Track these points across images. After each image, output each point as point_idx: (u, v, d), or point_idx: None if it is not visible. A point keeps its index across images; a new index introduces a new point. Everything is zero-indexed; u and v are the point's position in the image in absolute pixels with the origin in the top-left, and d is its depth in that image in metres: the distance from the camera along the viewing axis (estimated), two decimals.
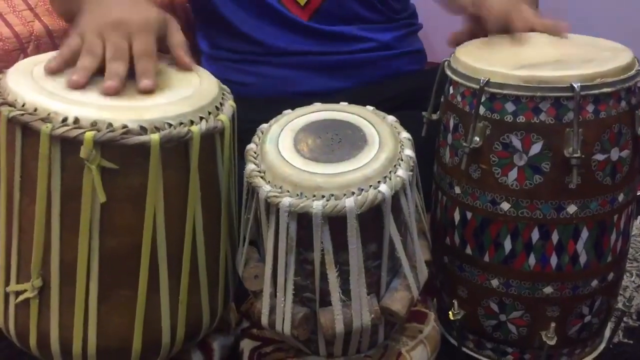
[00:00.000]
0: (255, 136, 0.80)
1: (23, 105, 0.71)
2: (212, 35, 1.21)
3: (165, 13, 0.84)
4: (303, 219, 0.72)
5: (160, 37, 0.81)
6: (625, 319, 1.02)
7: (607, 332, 0.96)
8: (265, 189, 0.73)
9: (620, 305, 0.92)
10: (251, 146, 0.78)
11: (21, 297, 0.76)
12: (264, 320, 0.79)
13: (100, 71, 0.78)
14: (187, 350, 0.88)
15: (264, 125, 0.81)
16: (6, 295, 0.78)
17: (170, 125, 0.72)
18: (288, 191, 0.72)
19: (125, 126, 0.70)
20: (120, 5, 0.81)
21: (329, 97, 1.01)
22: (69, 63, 0.77)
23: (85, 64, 0.76)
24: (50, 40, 1.14)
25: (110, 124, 0.70)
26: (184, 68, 0.83)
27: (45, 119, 0.70)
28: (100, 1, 0.83)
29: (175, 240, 0.77)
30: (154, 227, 0.74)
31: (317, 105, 0.83)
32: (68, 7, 0.96)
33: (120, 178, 0.72)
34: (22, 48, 1.10)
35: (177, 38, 0.83)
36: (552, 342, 0.86)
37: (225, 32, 1.17)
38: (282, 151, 0.76)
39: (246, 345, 0.91)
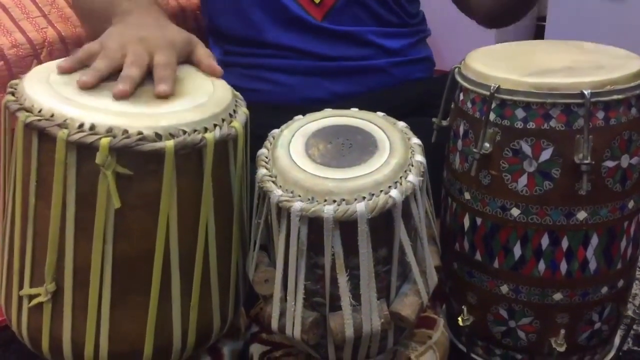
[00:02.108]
0: (267, 141, 0.80)
1: (40, 111, 0.72)
2: (223, 40, 1.22)
3: (189, 33, 0.87)
4: (314, 223, 0.72)
5: (183, 56, 0.84)
6: (635, 326, 1.02)
7: (617, 340, 0.96)
8: (276, 193, 0.73)
9: (630, 312, 0.92)
10: (262, 151, 0.79)
11: (34, 301, 0.76)
12: (274, 324, 0.79)
13: (116, 78, 0.80)
14: (197, 356, 0.88)
15: (275, 131, 0.82)
16: (20, 299, 0.79)
17: (184, 132, 0.73)
18: (299, 196, 0.72)
19: (140, 133, 0.71)
20: (147, 25, 0.85)
21: (339, 104, 1.01)
22: (82, 64, 0.79)
23: (99, 66, 0.77)
24: (63, 47, 1.14)
25: (125, 131, 0.71)
26: (216, 75, 0.85)
27: (62, 125, 0.71)
28: (128, 20, 0.87)
29: (188, 246, 0.77)
30: (167, 233, 0.75)
31: (328, 111, 0.84)
32: (93, 24, 1.01)
33: (134, 184, 0.72)
34: (35, 54, 1.11)
35: (202, 51, 0.86)
36: (562, 349, 0.86)
37: (237, 37, 1.18)
38: (294, 156, 0.76)
39: (255, 349, 0.91)
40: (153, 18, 0.89)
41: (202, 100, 0.79)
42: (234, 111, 0.80)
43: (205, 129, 0.75)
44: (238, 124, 0.79)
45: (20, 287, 0.78)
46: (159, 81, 0.77)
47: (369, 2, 1.16)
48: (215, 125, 0.76)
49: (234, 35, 1.18)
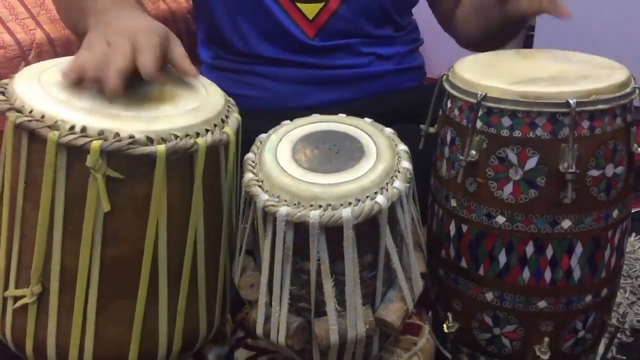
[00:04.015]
0: (254, 146, 0.80)
1: (30, 112, 0.72)
2: (214, 46, 1.22)
3: (166, 27, 0.84)
4: (300, 228, 0.72)
5: (163, 44, 0.80)
6: (618, 334, 1.02)
7: (601, 348, 0.97)
8: (262, 197, 0.73)
9: (614, 321, 0.92)
10: (249, 156, 0.79)
11: (19, 303, 0.76)
12: (259, 329, 0.79)
13: None
14: None
15: (263, 135, 0.82)
16: (4, 300, 0.78)
17: (176, 136, 0.73)
18: (285, 200, 0.73)
19: (132, 136, 0.71)
20: (124, 18, 0.83)
21: (328, 110, 1.01)
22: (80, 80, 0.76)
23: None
24: (51, 49, 1.14)
25: (117, 134, 0.70)
26: (191, 76, 0.81)
27: (53, 127, 0.70)
28: (104, 20, 0.84)
29: (176, 251, 0.77)
30: (156, 237, 0.75)
31: (316, 116, 0.84)
32: (73, 17, 0.98)
33: (125, 188, 0.72)
34: (23, 56, 1.11)
35: (179, 51, 0.83)
36: (546, 357, 0.86)
37: (230, 46, 1.18)
38: (280, 161, 0.76)
39: (241, 354, 0.91)
40: (128, 11, 0.87)
41: (194, 105, 0.79)
42: (226, 117, 0.80)
43: (197, 134, 0.75)
44: (230, 129, 0.79)
45: (6, 288, 0.78)
46: (141, 66, 0.75)
47: (360, 22, 1.16)
48: (207, 131, 0.76)
49: (227, 44, 1.18)
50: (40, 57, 1.11)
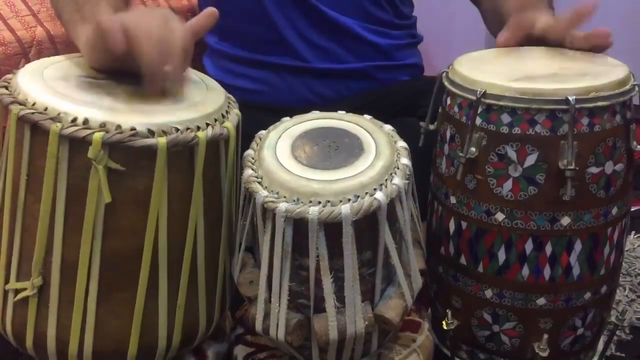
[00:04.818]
0: (254, 142, 0.81)
1: (33, 105, 0.73)
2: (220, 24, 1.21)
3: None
4: (299, 224, 0.72)
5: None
6: (618, 332, 1.02)
7: (600, 345, 0.96)
8: (262, 194, 0.73)
9: (613, 318, 0.92)
10: (249, 152, 0.79)
11: (20, 295, 0.77)
12: (258, 326, 0.79)
13: (109, 74, 0.79)
14: (182, 357, 0.88)
15: (262, 132, 0.82)
16: (5, 293, 0.79)
17: (177, 129, 0.73)
18: (285, 197, 0.73)
19: (133, 128, 0.71)
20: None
21: (326, 105, 1.01)
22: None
23: None
24: (52, 46, 1.14)
25: (118, 126, 0.71)
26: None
27: (55, 119, 0.71)
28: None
29: (177, 245, 0.78)
30: (157, 230, 0.75)
31: (315, 113, 0.85)
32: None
33: (126, 180, 0.73)
34: (24, 53, 1.11)
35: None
36: (545, 354, 0.86)
37: (232, 21, 1.18)
38: (280, 157, 0.76)
39: (240, 351, 0.91)
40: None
41: (195, 100, 0.79)
42: (227, 112, 0.81)
43: (198, 128, 0.76)
44: (230, 124, 0.79)
45: (6, 281, 0.78)
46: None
47: None
48: (207, 125, 0.76)
49: (228, 26, 1.18)
50: (40, 55, 1.12)
